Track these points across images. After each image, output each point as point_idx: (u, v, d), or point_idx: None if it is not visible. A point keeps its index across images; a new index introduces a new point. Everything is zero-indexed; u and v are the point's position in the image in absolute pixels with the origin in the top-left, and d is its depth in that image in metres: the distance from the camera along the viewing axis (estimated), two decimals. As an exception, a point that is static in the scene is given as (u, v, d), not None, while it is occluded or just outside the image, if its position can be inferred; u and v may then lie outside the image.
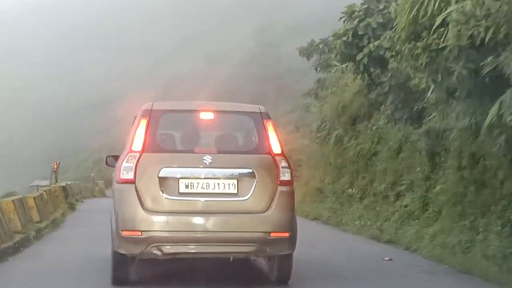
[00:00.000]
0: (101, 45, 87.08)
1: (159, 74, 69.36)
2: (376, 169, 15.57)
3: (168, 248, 6.82)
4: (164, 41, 75.35)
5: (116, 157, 7.97)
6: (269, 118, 7.35)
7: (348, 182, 17.33)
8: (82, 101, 74.63)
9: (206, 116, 7.40)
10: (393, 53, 10.61)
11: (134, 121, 7.45)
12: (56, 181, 26.92)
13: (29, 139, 75.19)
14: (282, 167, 7.08)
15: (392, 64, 12.90)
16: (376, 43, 12.59)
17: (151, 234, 6.78)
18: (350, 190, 16.80)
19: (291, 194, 7.17)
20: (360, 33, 12.97)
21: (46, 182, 31.94)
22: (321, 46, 24.37)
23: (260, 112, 7.37)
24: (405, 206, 13.02)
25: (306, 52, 24.87)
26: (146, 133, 6.98)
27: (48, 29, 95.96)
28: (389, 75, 12.89)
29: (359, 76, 14.74)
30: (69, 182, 28.02)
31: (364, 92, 15.77)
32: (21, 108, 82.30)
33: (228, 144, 7.43)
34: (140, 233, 6.77)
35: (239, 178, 6.95)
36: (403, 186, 13.55)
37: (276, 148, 7.13)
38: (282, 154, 7.15)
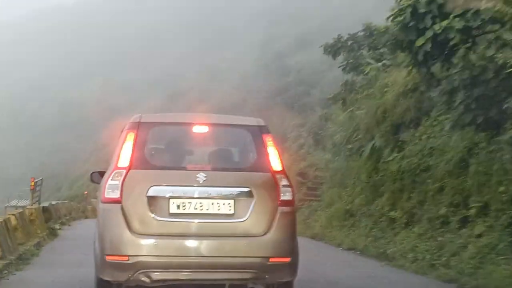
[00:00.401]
0: (100, 57, 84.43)
1: (163, 86, 66.53)
2: (428, 187, 12.71)
3: (157, 275, 6.24)
4: (167, 53, 72.65)
5: (102, 173, 7.21)
6: (268, 132, 6.75)
7: (388, 203, 14.47)
8: (77, 114, 71.75)
9: (200, 129, 6.81)
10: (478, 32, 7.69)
11: (121, 134, 6.81)
12: (38, 201, 23.82)
13: (20, 153, 72.23)
14: (283, 186, 6.50)
15: (461, 52, 10.04)
16: (444, 23, 9.67)
17: (139, 259, 6.20)
18: (392, 213, 13.91)
19: (293, 215, 6.59)
20: (421, 11, 10.03)
21: (27, 202, 28.76)
22: (349, 42, 21.35)
23: (259, 126, 6.78)
24: (478, 235, 10.13)
25: (332, 50, 21.83)
26: (133, 148, 6.39)
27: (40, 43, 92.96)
28: (459, 66, 9.97)
29: (412, 70, 11.74)
30: (53, 202, 25.05)
31: (421, 89, 12.83)
32: (12, 121, 79.32)
33: (224, 161, 6.90)
34: (126, 258, 6.19)
35: (235, 197, 6.39)
36: (473, 210, 10.67)
37: (276, 165, 6.53)
38: (283, 171, 6.56)
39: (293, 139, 42.06)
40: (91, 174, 7.62)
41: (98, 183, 7.17)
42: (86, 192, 46.66)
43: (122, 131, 6.85)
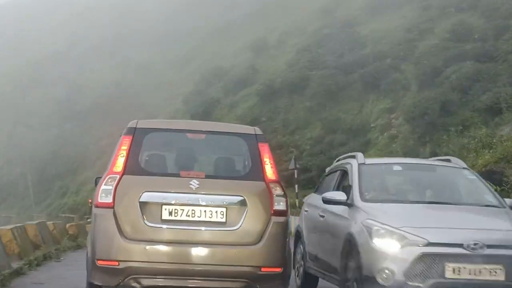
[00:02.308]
0: (113, 36, 76.56)
1: (196, 63, 58.38)
2: None
3: (147, 281, 6.78)
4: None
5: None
6: (265, 141, 7.39)
7: None
8: (87, 101, 63.94)
9: (195, 136, 7.38)
10: None
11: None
12: None
13: (17, 148, 64.40)
14: (277, 195, 6.97)
15: None
16: None
17: (129, 264, 6.70)
18: None
19: (286, 225, 7.06)
20: None
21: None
22: None
23: (255, 134, 7.39)
24: None
25: None
26: (128, 153, 6.93)
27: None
28: None
29: None
30: (33, 222, 16.90)
31: None
32: (12, 110, 71.51)
33: (218, 168, 7.44)
34: (117, 263, 6.69)
35: (228, 205, 6.90)
36: None
37: (270, 174, 7.05)
38: (277, 180, 7.07)
39: (381, 128, 33.63)
40: (96, 179, 7.95)
41: None
42: (90, 200, 37.82)
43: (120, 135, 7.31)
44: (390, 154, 30.40)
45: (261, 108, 43.33)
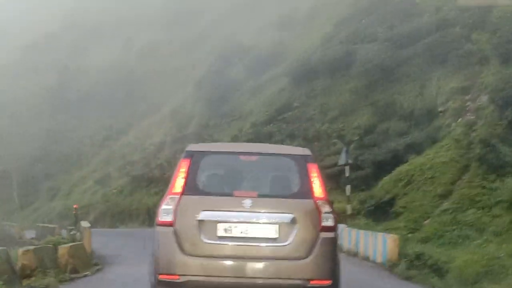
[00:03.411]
0: (115, 16, 71.01)
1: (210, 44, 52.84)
2: None
3: None
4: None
5: None
6: (313, 161, 8.23)
7: None
8: (84, 88, 58.51)
9: (248, 158, 8.40)
10: None
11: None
12: None
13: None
14: (325, 213, 7.91)
15: None
16: None
17: (189, 278, 7.86)
18: None
19: (334, 240, 8.08)
20: None
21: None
22: None
23: (305, 155, 8.26)
24: None
25: None
26: (187, 175, 8.04)
27: None
28: None
29: None
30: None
31: None
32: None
33: (269, 188, 8.34)
34: (177, 277, 7.87)
35: (280, 223, 7.90)
36: None
37: (319, 193, 7.97)
38: (325, 198, 8.00)
39: (453, 113, 27.80)
40: None
41: None
42: (76, 206, 34.82)
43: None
44: (470, 145, 24.77)
45: (292, 92, 37.84)
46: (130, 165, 43.88)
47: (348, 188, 24.66)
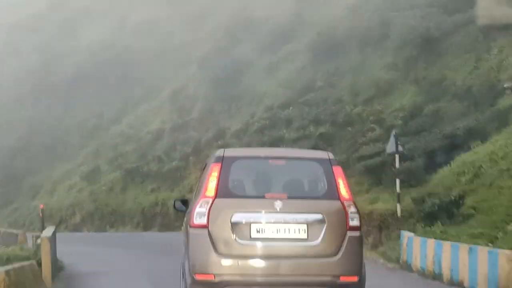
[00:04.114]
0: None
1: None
2: None
3: None
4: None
5: (184, 202, 10.52)
6: (338, 164, 9.10)
7: None
8: (70, 70, 53.84)
9: (276, 162, 9.33)
10: None
11: (205, 167, 9.79)
12: None
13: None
14: (351, 213, 8.77)
15: None
16: None
17: (224, 277, 8.63)
18: None
19: (360, 238, 8.90)
20: None
21: None
22: None
23: (329, 159, 9.12)
24: None
25: None
26: (218, 179, 8.86)
27: None
28: None
29: None
30: None
31: None
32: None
33: (298, 190, 9.17)
34: (213, 276, 8.63)
35: (309, 223, 8.73)
36: None
37: (345, 194, 8.82)
38: (351, 199, 8.86)
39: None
40: (174, 201, 10.78)
41: (181, 210, 10.53)
42: (42, 206, 30.92)
43: (206, 164, 9.85)
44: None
45: (315, 70, 33.51)
46: (122, 157, 39.45)
47: (398, 183, 20.20)
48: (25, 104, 55.22)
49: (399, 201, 20.12)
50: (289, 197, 8.80)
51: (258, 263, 8.68)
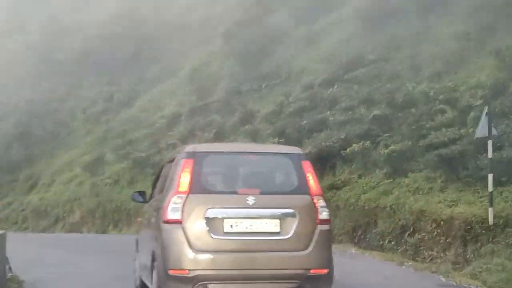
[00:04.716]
0: None
1: None
2: None
3: (214, 286, 9.32)
4: None
5: (142, 193, 12.35)
6: (306, 159, 10.07)
7: None
8: (70, 56, 49.52)
9: (248, 157, 10.17)
10: None
11: (173, 162, 10.35)
12: None
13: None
14: (321, 207, 9.71)
15: None
16: None
17: (198, 272, 9.23)
18: None
19: (329, 232, 9.88)
20: None
21: None
22: None
23: (298, 154, 10.17)
24: None
25: None
26: (191, 175, 9.51)
27: None
28: None
29: None
30: None
31: None
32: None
33: (270, 185, 10.07)
34: (187, 271, 9.22)
35: (281, 218, 9.56)
36: None
37: (314, 189, 9.76)
38: (320, 194, 9.82)
39: None
40: (133, 193, 12.51)
41: (140, 202, 12.28)
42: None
43: (173, 159, 10.47)
44: None
45: (364, 41, 28.96)
46: (131, 145, 35.04)
47: (490, 179, 15.55)
48: (26, 84, 51.05)
49: (491, 204, 15.45)
50: (261, 193, 9.56)
51: (232, 258, 9.33)
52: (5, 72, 54.28)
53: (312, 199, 9.65)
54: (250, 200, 9.42)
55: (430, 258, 16.46)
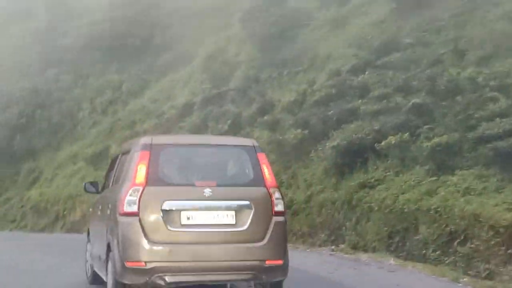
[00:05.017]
0: None
1: None
2: None
3: (171, 278, 9.64)
4: None
5: (95, 184, 13.03)
6: (262, 151, 10.53)
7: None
8: (77, 41, 47.17)
9: (204, 149, 10.63)
10: None
11: (128, 154, 10.64)
12: None
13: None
14: (276, 199, 10.14)
15: None
16: None
17: (155, 264, 9.57)
18: None
19: (284, 223, 10.28)
20: None
21: None
22: None
23: (253, 146, 10.54)
24: None
25: None
26: (148, 167, 9.84)
27: None
28: None
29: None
30: None
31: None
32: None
33: (226, 177, 10.45)
34: (144, 263, 9.55)
35: (237, 209, 9.95)
36: None
37: (270, 181, 10.22)
38: (276, 185, 10.30)
39: None
40: (85, 184, 13.03)
41: (92, 192, 13.08)
42: None
43: (128, 151, 10.80)
44: None
45: (399, 24, 26.47)
46: (138, 137, 32.60)
47: None
48: (30, 73, 48.75)
49: None
50: (218, 185, 9.98)
51: (189, 249, 9.69)
52: (9, 60, 52.04)
53: (268, 191, 10.11)
54: (207, 192, 9.81)
55: (487, 272, 13.89)
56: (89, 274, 13.42)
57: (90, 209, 15.14)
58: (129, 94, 41.01)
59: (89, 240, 13.63)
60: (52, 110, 44.59)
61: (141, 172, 9.71)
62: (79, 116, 42.85)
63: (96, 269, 12.19)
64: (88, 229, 14.11)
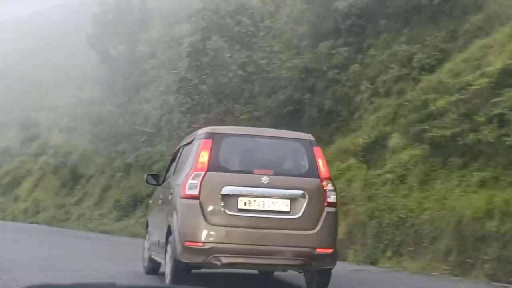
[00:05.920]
0: None
1: None
2: None
3: (226, 259, 11.08)
4: None
5: (155, 176, 15.01)
6: (317, 145, 11.87)
7: None
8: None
9: (263, 141, 12.12)
10: None
11: (190, 144, 12.43)
12: None
13: None
14: (329, 190, 11.44)
15: None
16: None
17: (212, 245, 11.02)
18: None
19: (336, 214, 11.66)
20: None
21: None
22: None
23: (310, 140, 11.97)
24: None
25: None
26: (209, 154, 11.25)
27: None
28: None
29: None
30: None
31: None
32: None
33: (282, 167, 11.84)
34: (202, 244, 11.00)
35: (292, 198, 11.33)
36: None
37: (324, 173, 11.51)
38: (329, 178, 11.53)
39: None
40: (146, 176, 14.86)
41: (153, 184, 14.80)
42: None
43: (192, 139, 12.41)
44: None
45: None
46: (429, 121, 23.62)
47: None
48: (299, 49, 41.81)
49: None
50: (275, 174, 11.39)
51: (244, 233, 11.08)
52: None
53: (321, 183, 11.54)
54: (264, 180, 11.30)
55: None
56: (145, 265, 15.32)
57: (150, 201, 16.26)
58: (421, 68, 32.07)
59: (147, 233, 15.41)
60: (325, 94, 36.92)
61: (203, 158, 11.29)
62: (356, 100, 34.64)
63: (153, 256, 14.01)
64: (147, 222, 15.87)
